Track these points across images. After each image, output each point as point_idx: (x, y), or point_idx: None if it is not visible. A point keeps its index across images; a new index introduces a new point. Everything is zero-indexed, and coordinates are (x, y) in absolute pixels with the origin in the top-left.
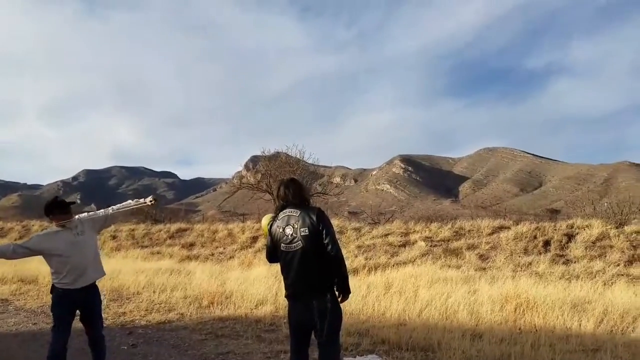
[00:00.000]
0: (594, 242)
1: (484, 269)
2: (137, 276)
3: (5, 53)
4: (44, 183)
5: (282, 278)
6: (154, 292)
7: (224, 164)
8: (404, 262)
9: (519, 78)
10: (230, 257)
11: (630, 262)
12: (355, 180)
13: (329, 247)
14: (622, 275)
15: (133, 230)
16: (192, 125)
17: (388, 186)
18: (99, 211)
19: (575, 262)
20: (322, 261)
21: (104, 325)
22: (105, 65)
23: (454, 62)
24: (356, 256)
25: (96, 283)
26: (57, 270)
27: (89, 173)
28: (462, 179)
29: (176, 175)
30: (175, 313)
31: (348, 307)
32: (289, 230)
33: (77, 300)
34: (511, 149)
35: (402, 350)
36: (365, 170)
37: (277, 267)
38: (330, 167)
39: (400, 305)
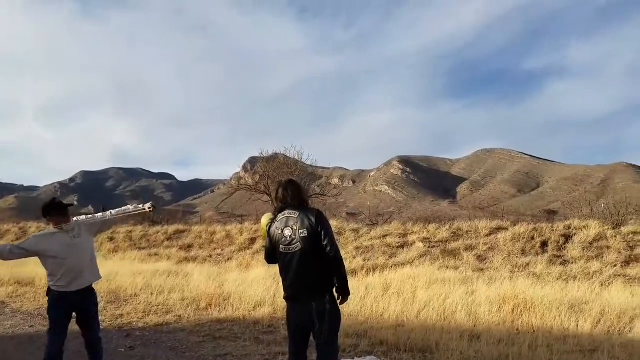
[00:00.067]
0: (591, 243)
1: (482, 269)
2: (135, 278)
3: (5, 53)
4: (41, 185)
5: (280, 280)
6: (151, 294)
7: (222, 165)
8: (402, 263)
9: (518, 79)
10: (228, 259)
11: (627, 262)
12: (354, 182)
13: (328, 248)
14: (619, 275)
15: (130, 232)
16: (191, 126)
17: (386, 187)
18: (97, 214)
19: (572, 263)
20: (321, 263)
21: (101, 327)
22: (104, 65)
23: (453, 62)
24: (354, 257)
25: (92, 286)
26: (52, 272)
27: (86, 174)
28: (460, 180)
29: (174, 176)
30: (172, 315)
31: (346, 308)
32: (287, 232)
33: (73, 303)
34: (509, 150)
35: (400, 351)
36: (363, 171)
37: (275, 268)
38: (329, 168)
39: (399, 307)
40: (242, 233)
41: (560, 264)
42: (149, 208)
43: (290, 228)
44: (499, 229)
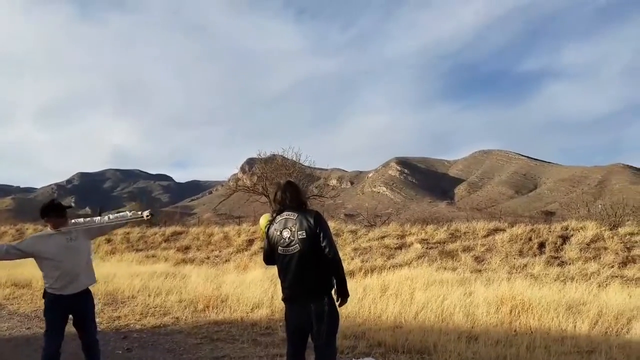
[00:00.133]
0: (588, 244)
1: (480, 271)
2: (132, 280)
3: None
4: (38, 186)
5: (278, 281)
6: (149, 295)
7: (219, 166)
8: (400, 264)
9: (516, 80)
10: (226, 261)
11: (624, 263)
12: (352, 183)
13: (327, 250)
14: (617, 276)
15: (128, 233)
16: (189, 127)
17: (384, 188)
18: (95, 219)
19: (570, 264)
20: (319, 264)
21: (98, 329)
22: (104, 65)
23: (452, 63)
24: (352, 258)
25: (89, 288)
26: (48, 274)
27: (83, 176)
28: (458, 181)
29: (171, 178)
30: (170, 317)
31: (344, 309)
32: (286, 234)
33: (68, 306)
34: (506, 151)
35: (398, 352)
36: (361, 172)
37: (273, 270)
38: (327, 170)
39: (397, 308)
40: (240, 235)
41: (558, 265)
42: (147, 216)
43: (288, 229)
44: (496, 230)
